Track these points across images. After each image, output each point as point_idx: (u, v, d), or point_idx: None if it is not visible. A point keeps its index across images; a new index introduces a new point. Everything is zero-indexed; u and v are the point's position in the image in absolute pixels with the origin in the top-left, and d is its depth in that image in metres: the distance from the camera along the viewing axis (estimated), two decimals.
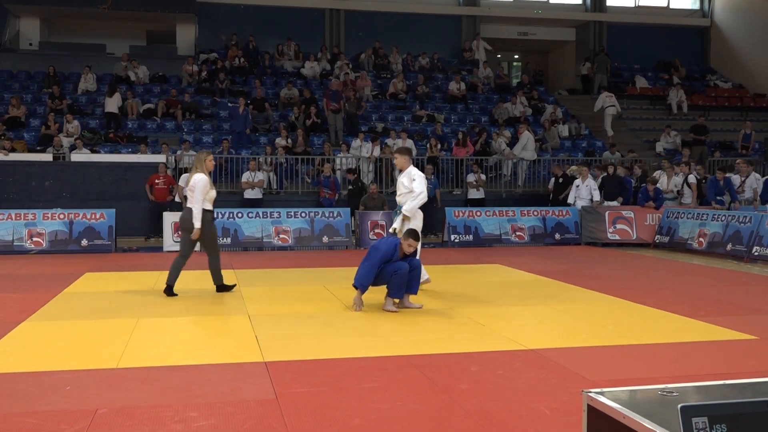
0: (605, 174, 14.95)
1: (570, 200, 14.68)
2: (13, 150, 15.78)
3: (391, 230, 8.41)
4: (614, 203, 14.43)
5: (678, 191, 14.74)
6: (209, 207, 8.04)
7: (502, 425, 3.97)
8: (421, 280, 8.10)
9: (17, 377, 4.90)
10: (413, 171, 8.33)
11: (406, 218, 8.12)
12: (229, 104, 18.62)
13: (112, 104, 17.73)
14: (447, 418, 4.07)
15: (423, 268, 8.04)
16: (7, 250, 12.39)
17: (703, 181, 15.13)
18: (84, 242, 12.73)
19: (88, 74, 19.43)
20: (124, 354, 5.50)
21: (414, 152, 17.10)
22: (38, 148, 16.51)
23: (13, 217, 12.64)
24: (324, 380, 4.79)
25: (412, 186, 8.17)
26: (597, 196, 14.37)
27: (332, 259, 11.89)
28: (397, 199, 8.36)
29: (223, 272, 8.17)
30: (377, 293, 7.48)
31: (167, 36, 22.84)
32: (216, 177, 16.10)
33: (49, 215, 12.76)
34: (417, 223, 8.24)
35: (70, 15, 21.78)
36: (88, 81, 19.43)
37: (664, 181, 14.80)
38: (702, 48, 26.09)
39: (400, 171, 8.61)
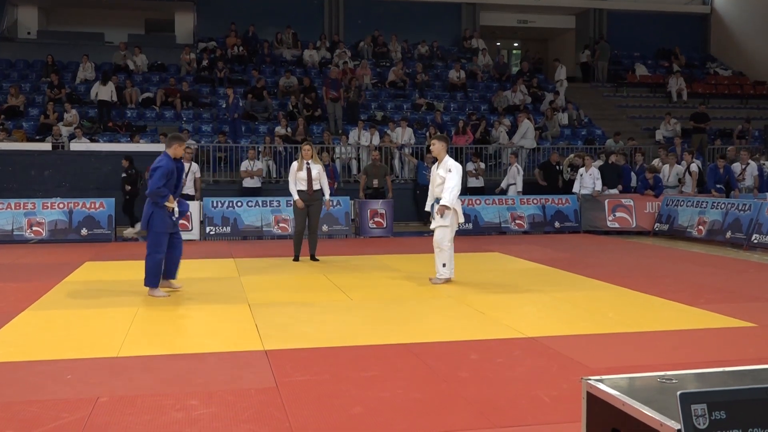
0: (603, 163, 14.94)
1: (575, 189, 14.61)
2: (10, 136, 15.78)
3: (433, 221, 8.29)
4: (614, 191, 14.41)
5: (680, 179, 14.72)
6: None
7: (502, 413, 3.99)
8: (441, 278, 8.16)
9: (18, 366, 4.91)
10: (450, 162, 8.15)
11: (447, 209, 8.02)
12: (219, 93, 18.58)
13: (106, 92, 17.62)
14: (447, 406, 4.08)
15: (447, 268, 8.10)
16: (6, 240, 12.39)
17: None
18: (84, 231, 12.74)
19: (87, 63, 19.35)
20: (125, 343, 5.51)
21: (413, 141, 17.14)
22: (37, 137, 16.48)
23: (13, 207, 12.64)
24: (324, 368, 4.80)
25: (447, 177, 8.03)
26: (599, 186, 14.32)
27: (332, 247, 11.89)
28: (435, 190, 8.26)
29: (223, 261, 8.17)
30: (371, 287, 7.47)
31: (166, 24, 22.75)
32: (215, 166, 16.10)
33: (49, 204, 12.76)
34: (458, 211, 8.19)
35: (68, 3, 21.70)
36: (87, 70, 19.35)
37: (665, 170, 14.79)
38: (702, 35, 25.98)
39: (435, 159, 8.44)
